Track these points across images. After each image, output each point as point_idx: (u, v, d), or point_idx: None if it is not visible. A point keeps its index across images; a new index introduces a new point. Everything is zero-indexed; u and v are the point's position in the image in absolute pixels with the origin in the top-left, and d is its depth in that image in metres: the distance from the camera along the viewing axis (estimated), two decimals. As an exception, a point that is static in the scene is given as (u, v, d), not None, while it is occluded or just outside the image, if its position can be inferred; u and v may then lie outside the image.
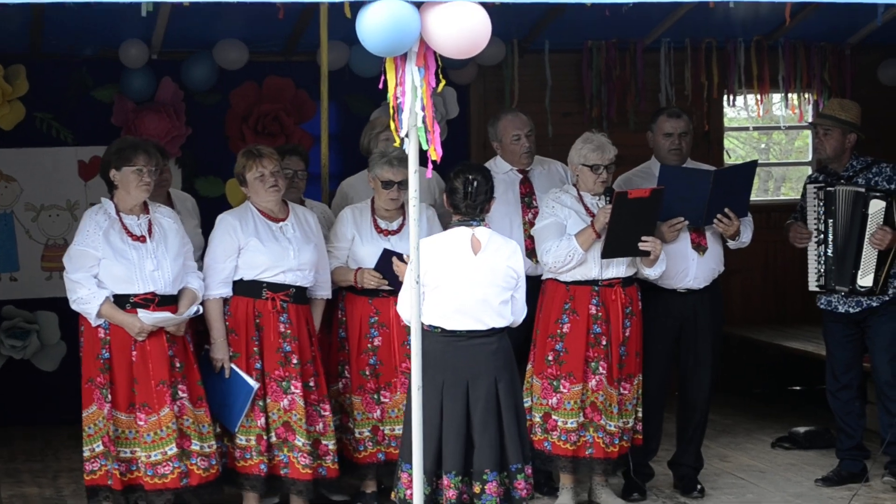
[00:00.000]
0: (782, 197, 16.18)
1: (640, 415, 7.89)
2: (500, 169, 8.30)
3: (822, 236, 8.22)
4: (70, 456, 9.26)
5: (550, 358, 7.74)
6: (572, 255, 7.66)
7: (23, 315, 10.09)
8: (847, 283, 8.14)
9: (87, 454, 7.28)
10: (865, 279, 8.09)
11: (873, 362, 8.25)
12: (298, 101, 10.42)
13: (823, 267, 8.22)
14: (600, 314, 7.72)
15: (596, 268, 7.72)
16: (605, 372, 7.71)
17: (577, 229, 7.69)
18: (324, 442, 7.58)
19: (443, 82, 6.01)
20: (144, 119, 10.05)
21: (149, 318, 7.16)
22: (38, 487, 8.62)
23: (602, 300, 7.74)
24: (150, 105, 10.13)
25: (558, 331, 7.74)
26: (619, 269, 7.76)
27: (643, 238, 7.66)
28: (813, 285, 8.31)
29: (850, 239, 8.12)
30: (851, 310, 8.20)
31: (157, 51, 10.03)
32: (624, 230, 7.62)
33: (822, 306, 8.34)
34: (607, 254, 7.67)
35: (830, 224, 8.18)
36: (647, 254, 7.69)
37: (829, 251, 8.19)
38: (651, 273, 7.82)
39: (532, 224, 8.13)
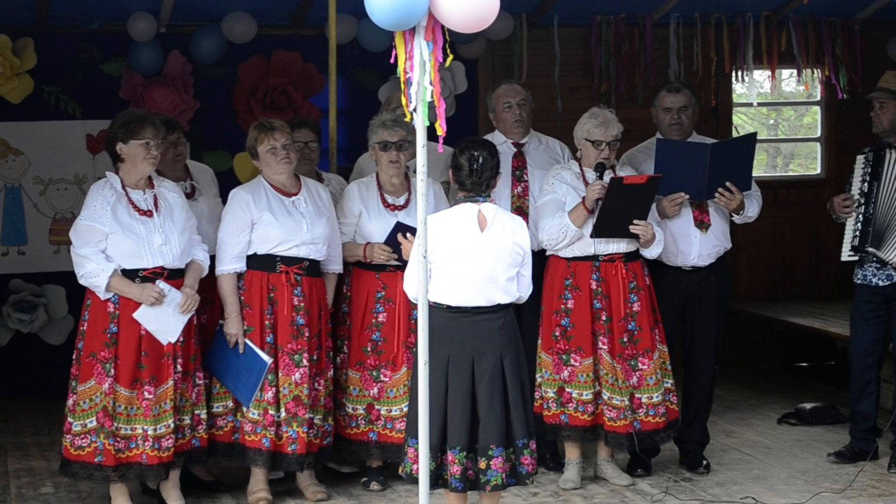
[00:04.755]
0: (791, 173, 16.16)
1: (669, 386, 7.87)
2: (496, 141, 8.23)
3: (863, 198, 8.06)
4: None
5: (557, 333, 7.77)
6: (565, 232, 7.68)
7: (30, 289, 10.12)
8: (881, 248, 7.98)
9: (77, 429, 7.24)
10: None
11: (894, 340, 8.18)
12: (306, 74, 10.41)
13: (860, 227, 8.05)
14: (601, 289, 7.75)
15: (596, 243, 7.73)
16: (605, 347, 7.72)
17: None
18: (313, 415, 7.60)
19: (450, 57, 5.99)
20: (152, 92, 10.06)
21: (176, 327, 7.20)
22: (45, 461, 8.63)
23: (602, 275, 7.75)
24: (158, 78, 10.13)
25: (562, 306, 7.77)
26: (619, 244, 7.77)
27: (635, 221, 7.67)
28: (846, 254, 8.15)
29: None
30: (881, 283, 8.08)
31: (165, 24, 10.03)
32: (616, 213, 7.64)
33: (857, 280, 8.18)
34: (597, 233, 7.69)
35: (875, 186, 8.02)
36: (637, 236, 7.70)
37: (870, 212, 8.03)
38: (647, 254, 7.84)
39: (520, 197, 8.15)
